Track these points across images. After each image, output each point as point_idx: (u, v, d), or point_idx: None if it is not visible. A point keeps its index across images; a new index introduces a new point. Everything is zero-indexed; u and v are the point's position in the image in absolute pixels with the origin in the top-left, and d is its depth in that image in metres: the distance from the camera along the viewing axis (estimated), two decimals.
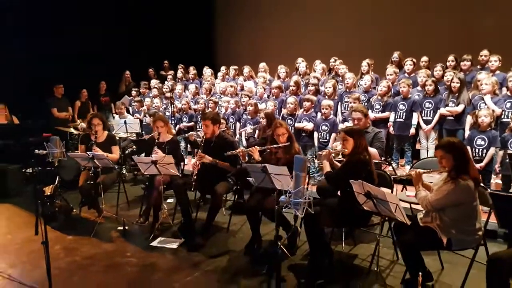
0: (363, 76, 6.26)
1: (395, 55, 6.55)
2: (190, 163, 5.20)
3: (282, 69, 6.97)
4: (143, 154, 5.76)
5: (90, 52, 7.93)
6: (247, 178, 4.73)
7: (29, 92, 7.03)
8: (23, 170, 6.07)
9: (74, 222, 4.69)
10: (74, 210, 4.89)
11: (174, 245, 3.93)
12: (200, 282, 3.27)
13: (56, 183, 4.70)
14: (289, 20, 9.43)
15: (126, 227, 4.33)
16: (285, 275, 3.34)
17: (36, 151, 3.87)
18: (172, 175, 4.08)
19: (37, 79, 7.10)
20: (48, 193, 4.66)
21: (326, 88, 5.80)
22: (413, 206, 3.76)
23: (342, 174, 3.38)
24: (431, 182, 3.17)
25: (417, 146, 5.84)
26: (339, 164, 3.65)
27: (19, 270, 3.52)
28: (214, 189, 4.03)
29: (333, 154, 3.61)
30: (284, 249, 3.51)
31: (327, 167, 3.55)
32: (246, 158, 3.98)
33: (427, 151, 5.52)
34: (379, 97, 5.60)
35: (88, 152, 4.22)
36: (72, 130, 6.37)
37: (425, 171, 3.11)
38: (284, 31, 9.47)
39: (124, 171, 6.00)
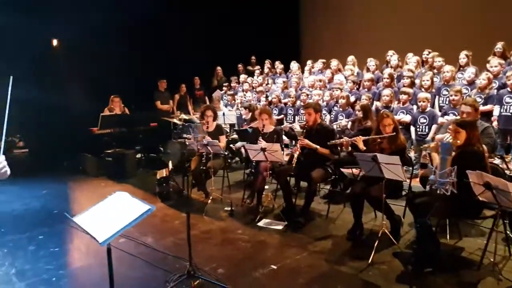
0: (461, 68, 6.02)
1: (499, 45, 6.16)
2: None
3: (371, 62, 6.97)
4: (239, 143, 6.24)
5: (187, 48, 8.62)
6: (341, 170, 4.97)
7: (139, 86, 7.91)
8: (137, 155, 6.90)
9: (185, 201, 5.24)
10: (184, 191, 5.47)
11: (280, 227, 4.25)
12: (309, 260, 3.52)
13: (171, 166, 5.28)
14: (377, 12, 9.27)
15: (233, 208, 4.77)
16: (391, 260, 3.48)
17: (184, 135, 4.43)
18: (274, 162, 4.42)
19: (144, 75, 7.97)
20: (164, 175, 5.27)
21: (424, 81, 5.70)
22: None
23: (457, 166, 3.40)
24: None
25: None
26: None
27: (151, 239, 4.09)
28: (310, 174, 4.25)
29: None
30: (391, 236, 3.62)
31: (436, 159, 3.57)
32: (350, 147, 4.16)
33: None
34: (479, 90, 5.37)
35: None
36: (175, 120, 7.06)
37: None
38: (371, 24, 9.34)
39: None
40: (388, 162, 3.38)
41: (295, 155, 4.29)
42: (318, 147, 4.26)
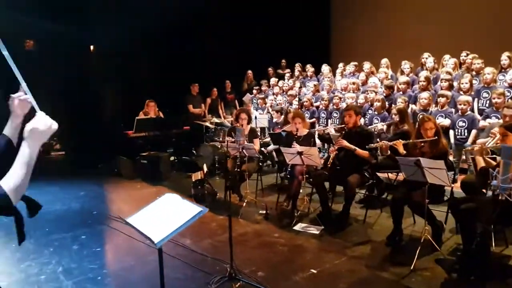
0: (503, 70, 5.82)
1: None
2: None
3: (406, 65, 6.84)
4: (271, 146, 6.26)
5: (218, 53, 8.75)
6: (377, 174, 4.90)
7: (172, 90, 8.10)
8: (170, 158, 7.04)
9: (220, 204, 5.30)
10: (218, 194, 5.53)
11: (316, 231, 4.22)
12: (349, 265, 3.48)
13: (205, 169, 5.36)
14: (410, 13, 9.09)
15: (268, 212, 4.78)
16: (433, 267, 3.39)
17: (228, 138, 4.50)
18: (310, 166, 4.40)
19: (178, 79, 8.15)
20: (199, 178, 5.35)
21: (462, 83, 5.54)
22: None
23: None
24: None
25: None
26: (491, 161, 3.54)
27: (189, 241, 4.14)
28: (347, 179, 4.21)
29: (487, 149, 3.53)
30: (434, 243, 3.54)
31: (481, 163, 3.48)
32: (389, 151, 4.09)
33: None
34: None
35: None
36: (207, 124, 7.16)
37: None
38: (404, 25, 9.17)
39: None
40: (432, 166, 3.31)
41: (332, 156, 4.26)
42: (356, 148, 4.20)
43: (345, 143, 4.24)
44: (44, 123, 1.35)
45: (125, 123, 7.18)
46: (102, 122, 7.57)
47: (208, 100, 8.86)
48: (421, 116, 5.42)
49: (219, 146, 6.33)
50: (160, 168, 6.58)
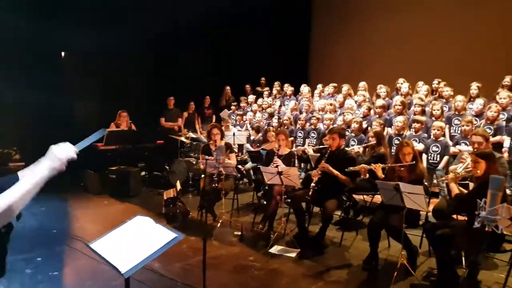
0: (472, 99, 6.07)
1: (507, 79, 6.27)
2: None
3: (382, 89, 7.00)
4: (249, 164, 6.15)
5: (197, 67, 8.64)
6: (354, 195, 4.89)
7: (149, 102, 7.87)
8: (141, 173, 6.76)
9: (192, 224, 5.08)
10: (191, 213, 5.32)
11: (293, 254, 4.12)
12: None
13: (179, 187, 5.15)
14: (387, 40, 9.40)
15: (243, 233, 4.63)
16: None
17: (205, 157, 4.33)
18: (289, 186, 4.33)
19: (156, 91, 7.95)
20: (171, 196, 5.13)
21: (434, 110, 5.71)
22: None
23: (476, 197, 3.34)
24: None
25: None
26: (463, 190, 3.61)
27: (158, 264, 3.90)
28: (324, 205, 4.16)
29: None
30: (410, 268, 3.52)
31: (455, 189, 3.53)
32: (367, 175, 4.09)
33: None
34: (488, 121, 5.39)
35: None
36: (183, 138, 6.97)
37: None
38: (381, 51, 9.45)
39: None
40: (411, 191, 3.32)
41: (314, 180, 4.20)
42: (339, 174, 4.16)
43: (329, 167, 4.20)
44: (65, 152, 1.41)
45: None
46: (68, 132, 7.16)
47: (185, 114, 8.67)
48: (398, 141, 5.56)
49: (194, 162, 6.15)
50: (130, 183, 6.28)
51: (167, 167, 6.67)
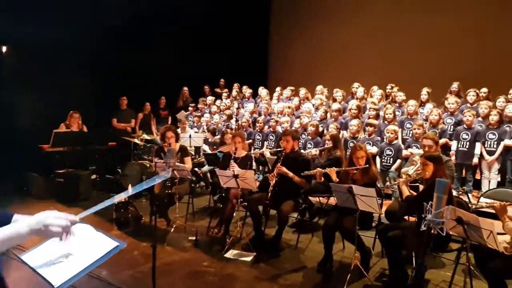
0: (422, 104, 6.34)
1: (454, 85, 6.63)
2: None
3: (338, 93, 7.14)
4: (205, 167, 6.01)
5: (154, 67, 8.37)
6: (309, 197, 4.92)
7: (100, 103, 7.47)
8: (92, 176, 6.40)
9: (145, 229, 4.87)
10: (143, 218, 5.10)
11: (248, 258, 4.04)
12: None
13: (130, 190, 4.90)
14: (343, 45, 9.65)
15: (198, 238, 4.49)
16: None
17: (155, 160, 4.12)
18: (245, 189, 4.26)
19: (107, 91, 7.57)
20: (122, 200, 4.89)
21: (387, 114, 5.90)
22: None
23: (425, 198, 3.44)
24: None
25: (476, 176, 5.83)
26: (413, 192, 3.72)
27: (106, 272, 3.69)
28: (280, 208, 4.15)
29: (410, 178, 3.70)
30: (362, 269, 3.57)
31: (406, 192, 3.63)
32: (322, 178, 4.12)
33: (489, 181, 5.49)
34: (431, 125, 5.66)
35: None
36: (136, 140, 6.69)
37: (511, 203, 3.15)
38: (338, 56, 9.69)
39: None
40: (363, 194, 3.36)
41: (272, 183, 4.16)
42: (295, 176, 4.16)
43: (285, 169, 4.18)
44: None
45: (43, 136, 6.38)
46: (12, 132, 6.62)
47: (140, 115, 8.34)
48: (352, 144, 5.67)
49: (148, 165, 5.91)
50: (79, 187, 5.92)
51: (120, 170, 6.36)
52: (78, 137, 6.52)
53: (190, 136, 6.13)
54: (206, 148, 6.60)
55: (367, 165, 3.86)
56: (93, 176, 6.71)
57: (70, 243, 1.91)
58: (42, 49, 6.85)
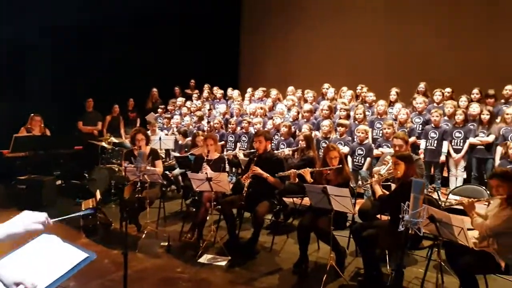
0: (391, 103, 6.50)
1: (422, 85, 6.83)
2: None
3: (309, 94, 7.20)
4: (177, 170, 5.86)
5: (122, 67, 8.09)
6: (283, 198, 4.91)
7: (64, 105, 7.14)
8: (56, 181, 6.10)
9: (115, 236, 4.69)
10: (113, 225, 4.91)
11: (223, 263, 3.96)
12: None
13: (99, 196, 4.72)
14: (312, 48, 9.77)
15: (170, 243, 4.36)
16: None
17: (125, 164, 3.93)
18: (219, 192, 4.18)
19: (72, 93, 7.24)
20: (90, 206, 4.68)
21: (357, 114, 6.00)
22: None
23: (397, 197, 3.50)
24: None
25: (444, 174, 6.04)
26: (385, 191, 3.78)
27: (74, 283, 3.51)
28: (255, 209, 4.11)
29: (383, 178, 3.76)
30: (338, 269, 3.58)
31: (379, 191, 3.68)
32: (297, 179, 4.11)
33: (456, 178, 5.70)
34: (399, 125, 5.82)
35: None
36: (104, 144, 6.44)
37: (478, 200, 3.27)
38: (308, 57, 9.79)
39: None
40: (337, 194, 3.38)
41: (246, 184, 4.10)
42: (269, 176, 4.12)
43: (259, 170, 4.14)
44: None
45: (2, 140, 6.02)
46: None
47: (108, 118, 8.03)
48: (325, 144, 5.71)
49: (117, 169, 5.70)
50: (43, 194, 5.61)
51: (87, 175, 6.10)
52: (40, 141, 6.20)
53: (160, 138, 5.97)
54: (175, 153, 6.44)
55: (341, 165, 3.89)
56: (58, 182, 6.39)
57: (38, 256, 1.78)
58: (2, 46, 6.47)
